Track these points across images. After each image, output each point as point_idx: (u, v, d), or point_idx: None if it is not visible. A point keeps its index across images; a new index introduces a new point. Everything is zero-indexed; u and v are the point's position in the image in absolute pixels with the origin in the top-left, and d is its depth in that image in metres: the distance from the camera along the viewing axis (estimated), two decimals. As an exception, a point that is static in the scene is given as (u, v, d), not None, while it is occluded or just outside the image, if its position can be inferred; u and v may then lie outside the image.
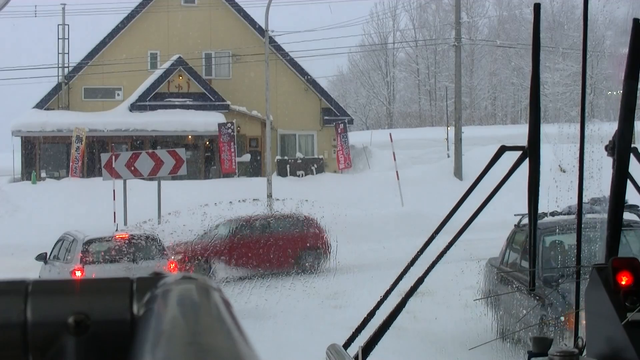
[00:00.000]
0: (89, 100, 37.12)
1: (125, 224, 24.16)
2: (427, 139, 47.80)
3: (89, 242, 13.95)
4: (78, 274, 13.15)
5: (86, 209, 25.61)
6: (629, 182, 2.86)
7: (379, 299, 3.08)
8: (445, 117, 51.40)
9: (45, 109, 36.33)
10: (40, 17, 49.36)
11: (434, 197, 27.57)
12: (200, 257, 17.07)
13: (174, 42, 37.36)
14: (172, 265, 13.92)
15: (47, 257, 15.37)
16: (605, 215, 2.92)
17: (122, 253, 14.06)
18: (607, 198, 2.89)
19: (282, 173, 35.39)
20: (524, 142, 2.95)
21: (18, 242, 22.10)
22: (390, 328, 2.94)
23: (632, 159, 2.84)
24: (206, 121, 35.04)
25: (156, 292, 0.84)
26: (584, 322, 2.81)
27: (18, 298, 0.83)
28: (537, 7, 3.01)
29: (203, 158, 36.33)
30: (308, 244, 18.74)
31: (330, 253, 17.77)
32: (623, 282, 2.54)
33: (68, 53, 37.90)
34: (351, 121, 41.05)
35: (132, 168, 23.68)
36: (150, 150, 25.74)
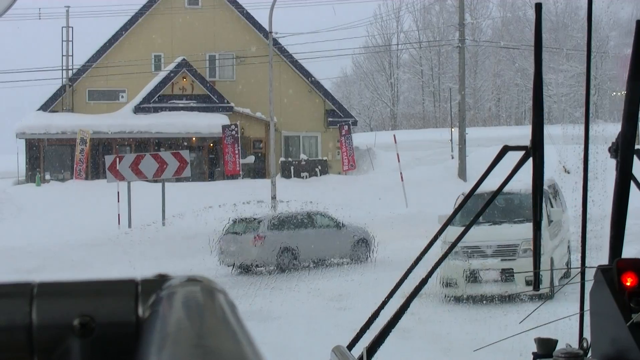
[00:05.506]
0: (93, 102, 37.16)
1: (130, 226, 24.18)
2: (431, 140, 47.76)
3: (235, 220, 19.40)
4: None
5: (90, 211, 25.62)
6: (632, 183, 2.86)
7: (382, 300, 3.08)
8: (449, 119, 51.35)
9: (49, 111, 36.38)
10: (44, 19, 49.43)
11: (438, 199, 27.53)
12: None
13: (177, 44, 37.39)
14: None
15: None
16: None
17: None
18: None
19: (286, 175, 35.40)
20: (528, 142, 2.94)
21: (22, 244, 22.10)
22: (394, 329, 2.94)
23: (636, 160, 2.84)
24: (210, 123, 35.06)
25: (161, 294, 0.84)
26: (588, 323, 2.81)
27: (24, 300, 0.83)
28: (538, 7, 2.99)
29: (207, 160, 36.35)
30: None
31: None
32: (628, 283, 2.55)
33: (72, 55, 37.98)
34: (355, 122, 41.05)
35: (136, 170, 23.75)
36: (154, 152, 25.79)
